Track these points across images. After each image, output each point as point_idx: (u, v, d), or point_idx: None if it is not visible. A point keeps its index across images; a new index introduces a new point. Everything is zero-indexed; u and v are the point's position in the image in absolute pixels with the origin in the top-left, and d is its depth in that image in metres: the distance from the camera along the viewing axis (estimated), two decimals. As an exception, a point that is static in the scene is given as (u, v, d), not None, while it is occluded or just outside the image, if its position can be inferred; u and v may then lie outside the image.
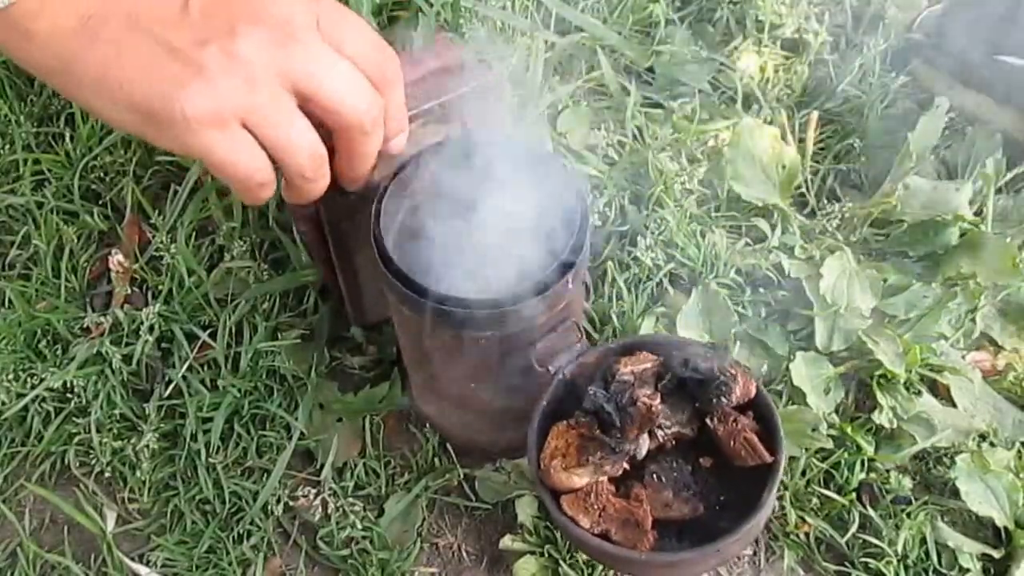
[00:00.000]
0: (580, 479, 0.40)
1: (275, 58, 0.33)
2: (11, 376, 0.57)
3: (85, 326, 0.59)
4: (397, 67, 0.37)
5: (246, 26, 0.32)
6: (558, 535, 0.51)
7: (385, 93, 0.36)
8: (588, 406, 0.40)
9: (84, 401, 0.56)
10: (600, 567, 0.50)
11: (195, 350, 0.57)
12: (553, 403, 0.42)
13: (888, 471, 0.52)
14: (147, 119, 0.32)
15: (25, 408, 0.57)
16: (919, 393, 0.54)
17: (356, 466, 0.54)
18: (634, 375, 0.41)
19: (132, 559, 0.53)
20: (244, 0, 0.33)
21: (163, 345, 0.58)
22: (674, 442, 0.42)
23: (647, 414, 0.39)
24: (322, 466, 0.54)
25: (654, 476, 0.41)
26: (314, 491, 0.53)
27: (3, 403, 0.57)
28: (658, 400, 0.40)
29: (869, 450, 0.52)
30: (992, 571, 0.50)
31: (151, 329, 0.57)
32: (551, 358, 0.42)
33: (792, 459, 0.52)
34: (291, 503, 0.53)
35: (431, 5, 0.59)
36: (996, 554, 0.50)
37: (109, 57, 0.32)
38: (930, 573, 0.50)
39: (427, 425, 0.55)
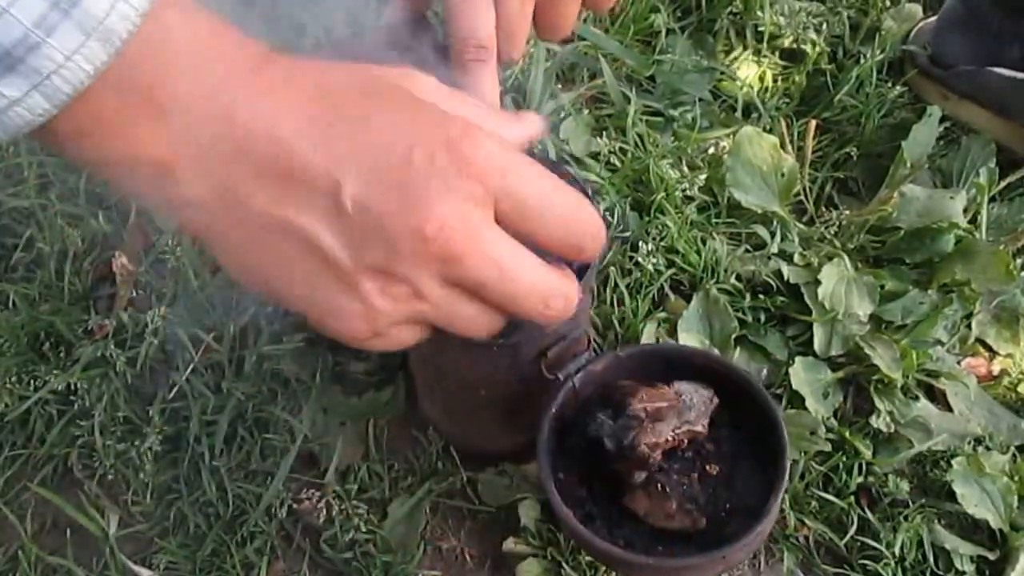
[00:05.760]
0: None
1: (439, 272, 0.29)
2: (14, 378, 0.57)
3: (88, 329, 0.59)
4: (596, 244, 0.31)
5: (406, 239, 0.28)
6: (560, 537, 0.51)
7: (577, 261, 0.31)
8: (592, 433, 0.40)
9: (87, 404, 0.56)
10: (602, 569, 0.51)
11: (199, 353, 0.57)
12: (561, 411, 0.43)
13: (886, 474, 0.53)
14: (303, 315, 0.30)
15: (28, 410, 0.57)
16: (916, 398, 0.55)
17: (359, 469, 0.54)
18: (647, 413, 0.40)
19: (135, 562, 0.53)
20: (405, 200, 0.28)
21: (167, 348, 0.58)
22: (687, 441, 0.42)
23: (643, 460, 0.40)
24: (326, 470, 0.54)
25: (658, 486, 0.41)
26: (318, 494, 0.53)
27: (6, 405, 0.57)
28: (659, 454, 0.40)
29: (867, 454, 0.53)
30: (987, 573, 0.51)
31: (155, 332, 0.57)
32: (560, 366, 0.43)
33: (791, 463, 0.53)
34: (295, 506, 0.53)
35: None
36: (991, 556, 0.51)
37: (256, 248, 0.29)
38: (927, 575, 0.51)
39: (430, 429, 0.55)
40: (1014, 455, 0.54)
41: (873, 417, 0.54)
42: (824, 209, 0.63)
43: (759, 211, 0.61)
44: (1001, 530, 0.51)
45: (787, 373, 0.55)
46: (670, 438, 0.40)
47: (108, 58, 0.26)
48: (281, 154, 0.28)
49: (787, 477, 0.40)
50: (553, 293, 0.31)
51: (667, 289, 0.59)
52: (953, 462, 0.52)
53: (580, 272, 0.40)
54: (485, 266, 0.29)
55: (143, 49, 0.26)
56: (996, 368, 0.57)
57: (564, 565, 0.50)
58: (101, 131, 0.27)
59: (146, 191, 0.29)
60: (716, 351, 0.56)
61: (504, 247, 0.30)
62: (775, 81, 0.69)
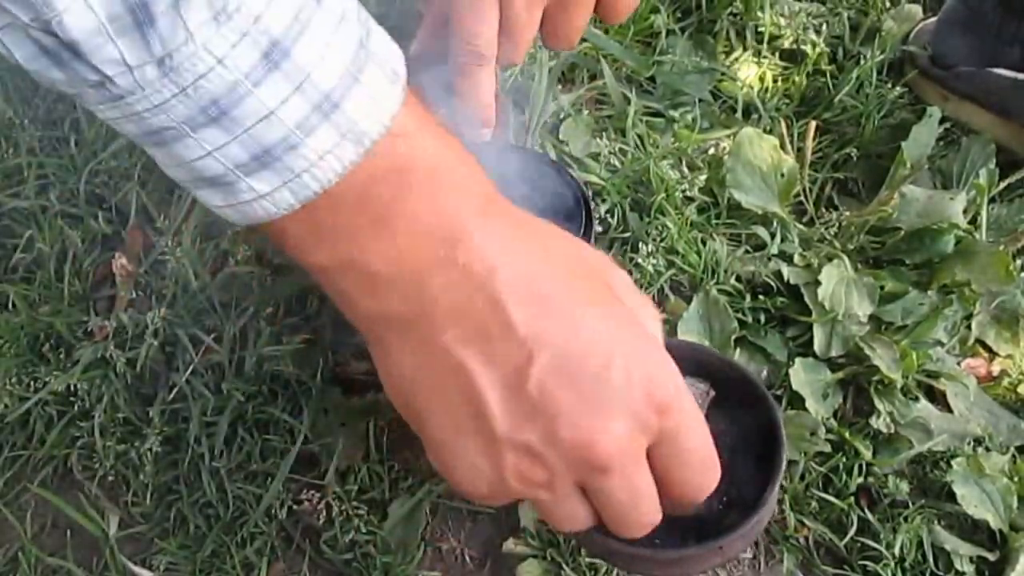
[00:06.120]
0: None
1: (580, 474, 0.29)
2: (14, 379, 0.57)
3: (88, 330, 0.59)
4: (701, 499, 0.33)
5: (569, 437, 0.28)
6: (560, 539, 0.51)
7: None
8: None
9: (87, 405, 0.56)
10: (602, 570, 0.51)
11: (199, 354, 0.57)
12: None
13: (886, 475, 0.53)
14: (427, 448, 0.30)
15: (28, 412, 0.57)
16: (916, 398, 0.55)
17: (360, 470, 0.54)
18: None
19: (135, 563, 0.53)
20: (587, 402, 0.28)
21: (167, 349, 0.58)
22: None
23: None
24: (326, 470, 0.54)
25: None
26: (318, 495, 0.53)
27: (6, 406, 0.57)
28: None
29: (867, 454, 0.53)
30: (987, 574, 0.51)
31: (155, 333, 0.57)
32: None
33: (791, 463, 0.53)
34: (295, 507, 0.53)
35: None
36: (991, 557, 0.51)
37: (422, 372, 0.29)
38: (927, 576, 0.51)
39: (430, 429, 0.55)
40: (1014, 456, 0.54)
41: (873, 418, 0.54)
42: (824, 210, 0.63)
43: (759, 212, 0.61)
44: (1001, 531, 0.51)
45: (787, 374, 0.55)
46: None
47: (357, 158, 0.26)
48: (488, 304, 0.28)
49: (784, 467, 0.40)
50: (651, 523, 0.32)
51: (667, 290, 0.59)
52: (953, 463, 0.52)
53: None
54: (624, 490, 0.30)
55: (389, 163, 0.26)
56: (996, 369, 0.58)
57: (564, 566, 0.50)
58: (326, 234, 0.27)
59: (347, 297, 0.29)
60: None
61: (646, 482, 0.31)
62: (775, 82, 0.69)
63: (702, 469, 0.32)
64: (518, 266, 0.28)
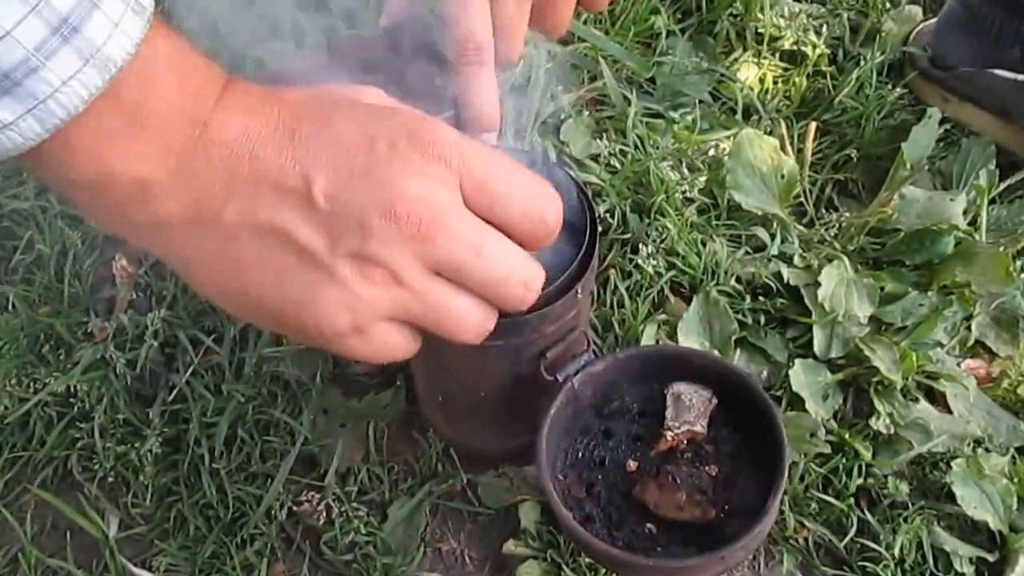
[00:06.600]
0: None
1: (416, 253, 0.29)
2: (14, 381, 0.57)
3: (88, 331, 0.59)
4: (557, 218, 0.32)
5: (378, 220, 0.29)
6: (560, 540, 0.51)
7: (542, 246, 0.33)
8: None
9: (87, 406, 0.56)
10: (602, 571, 0.51)
11: (199, 355, 0.57)
12: (560, 411, 0.43)
13: (885, 476, 0.53)
14: (280, 325, 0.31)
15: (27, 413, 0.57)
16: (916, 400, 0.55)
17: (360, 471, 0.54)
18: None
19: (135, 564, 0.53)
20: (373, 184, 0.29)
21: (167, 350, 0.58)
22: (686, 442, 0.42)
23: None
24: (326, 471, 0.54)
25: (669, 476, 0.42)
26: (318, 496, 0.53)
27: (5, 408, 0.57)
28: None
29: (867, 455, 0.53)
30: (987, 575, 0.51)
31: (155, 334, 0.57)
32: (559, 367, 0.43)
33: (791, 464, 0.53)
34: (295, 508, 0.54)
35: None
36: (991, 558, 0.51)
37: (231, 257, 0.29)
38: (926, 577, 0.51)
39: (430, 431, 0.55)
40: (1013, 457, 0.54)
41: (873, 419, 0.54)
42: (824, 211, 0.64)
43: (759, 213, 0.61)
44: (1000, 532, 0.51)
45: (787, 375, 0.55)
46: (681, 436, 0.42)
47: (103, 83, 0.26)
48: (251, 160, 0.29)
49: (786, 477, 0.40)
50: (532, 275, 0.32)
51: (667, 291, 0.59)
52: (953, 464, 0.52)
53: (580, 272, 0.40)
54: (459, 246, 0.30)
55: (132, 69, 0.27)
56: (996, 370, 0.58)
57: (564, 567, 0.50)
58: (85, 150, 0.27)
59: (119, 212, 0.29)
60: (716, 353, 0.56)
61: (476, 227, 0.30)
62: (775, 83, 0.69)
63: (521, 192, 0.31)
64: (264, 120, 0.29)
